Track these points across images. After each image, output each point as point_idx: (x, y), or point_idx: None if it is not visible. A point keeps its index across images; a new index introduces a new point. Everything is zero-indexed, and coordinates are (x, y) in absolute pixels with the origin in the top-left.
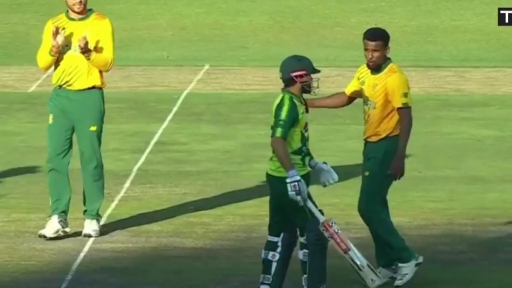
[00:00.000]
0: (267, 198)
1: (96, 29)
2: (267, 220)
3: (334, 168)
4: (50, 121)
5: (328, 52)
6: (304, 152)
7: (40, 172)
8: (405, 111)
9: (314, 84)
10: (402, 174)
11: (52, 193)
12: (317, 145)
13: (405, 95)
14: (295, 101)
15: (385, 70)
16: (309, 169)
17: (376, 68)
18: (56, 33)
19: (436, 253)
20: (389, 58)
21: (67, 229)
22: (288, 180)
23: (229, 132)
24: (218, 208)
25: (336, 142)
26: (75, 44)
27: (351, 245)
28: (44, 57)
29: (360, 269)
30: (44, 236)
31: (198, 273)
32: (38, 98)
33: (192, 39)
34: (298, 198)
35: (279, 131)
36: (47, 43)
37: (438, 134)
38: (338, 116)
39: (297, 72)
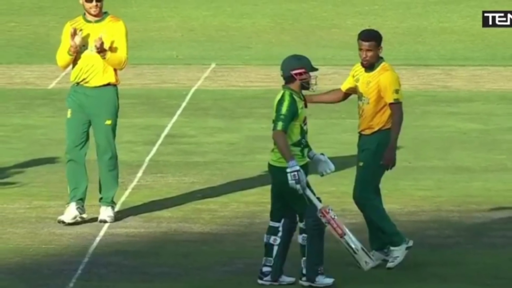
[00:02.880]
0: (269, 187)
1: (111, 31)
2: (269, 207)
3: (331, 159)
4: (69, 115)
5: (325, 51)
6: (303, 144)
7: (59, 163)
8: (396, 106)
9: (313, 81)
10: (393, 164)
11: (70, 182)
12: (315, 138)
13: (397, 91)
14: (295, 97)
15: (378, 68)
16: (308, 159)
17: (369, 66)
18: (74, 34)
19: (425, 237)
20: (381, 57)
21: (84, 215)
22: (288, 170)
23: (234, 125)
24: (223, 195)
25: (333, 135)
26: (92, 44)
27: (347, 230)
28: (63, 56)
29: (355, 252)
30: (63, 222)
31: (205, 256)
32: (57, 94)
33: (199, 40)
34: (298, 186)
35: (280, 125)
36: (66, 43)
37: (427, 128)
38: (334, 111)
39: (297, 70)
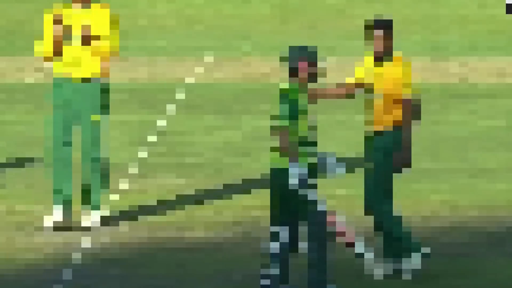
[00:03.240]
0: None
1: (98, 18)
2: (269, 211)
3: (338, 159)
4: (52, 111)
5: (331, 42)
6: (308, 141)
7: (40, 163)
8: (409, 102)
9: (319, 73)
10: (407, 166)
11: (56, 184)
12: (320, 136)
13: (409, 85)
14: (300, 91)
15: (390, 61)
16: (314, 159)
17: (381, 58)
18: (56, 23)
19: (441, 245)
20: (393, 49)
21: (70, 220)
22: (291, 171)
23: (232, 122)
24: (220, 200)
25: (339, 132)
26: (77, 33)
27: (356, 236)
28: (45, 46)
29: (365, 260)
30: (48, 227)
31: (200, 265)
32: (37, 88)
33: (195, 29)
34: (300, 188)
35: (283, 122)
36: (48, 32)
37: (444, 125)
38: (341, 106)
39: (303, 62)
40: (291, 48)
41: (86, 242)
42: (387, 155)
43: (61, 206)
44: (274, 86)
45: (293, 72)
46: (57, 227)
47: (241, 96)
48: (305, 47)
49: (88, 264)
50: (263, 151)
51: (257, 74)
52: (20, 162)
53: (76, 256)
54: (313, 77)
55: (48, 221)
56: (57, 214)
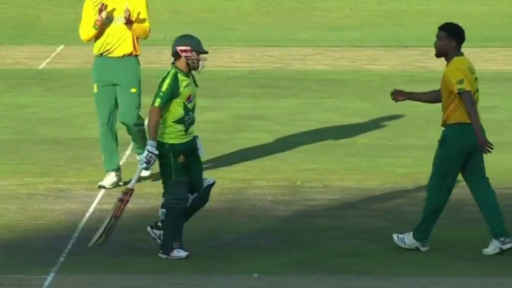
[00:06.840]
0: (254, 163)
1: (133, 3)
2: (254, 183)
3: (313, 137)
4: (95, 90)
5: (308, 33)
6: (187, 121)
7: (50, 141)
8: (463, 95)
9: (201, 62)
10: (488, 145)
11: (105, 153)
12: (298, 116)
13: (461, 81)
14: (179, 75)
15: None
16: (192, 136)
17: (438, 56)
18: (101, 9)
19: (403, 213)
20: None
21: (121, 183)
22: (147, 147)
23: (220, 104)
24: (209, 172)
25: (314, 114)
26: (117, 16)
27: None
28: (87, 30)
29: (103, 232)
30: (104, 187)
31: (191, 232)
32: (47, 74)
33: (186, 22)
34: (144, 165)
35: (157, 101)
36: (88, 18)
37: (406, 107)
38: (316, 90)
39: (182, 47)
40: (177, 37)
41: (90, 210)
42: (441, 148)
43: (114, 172)
44: (257, 72)
45: (175, 56)
46: (111, 187)
47: (228, 81)
48: (188, 35)
49: (93, 229)
50: (247, 129)
51: (242, 62)
52: (30, 140)
53: (82, 223)
54: (191, 63)
55: (104, 182)
56: (112, 177)
